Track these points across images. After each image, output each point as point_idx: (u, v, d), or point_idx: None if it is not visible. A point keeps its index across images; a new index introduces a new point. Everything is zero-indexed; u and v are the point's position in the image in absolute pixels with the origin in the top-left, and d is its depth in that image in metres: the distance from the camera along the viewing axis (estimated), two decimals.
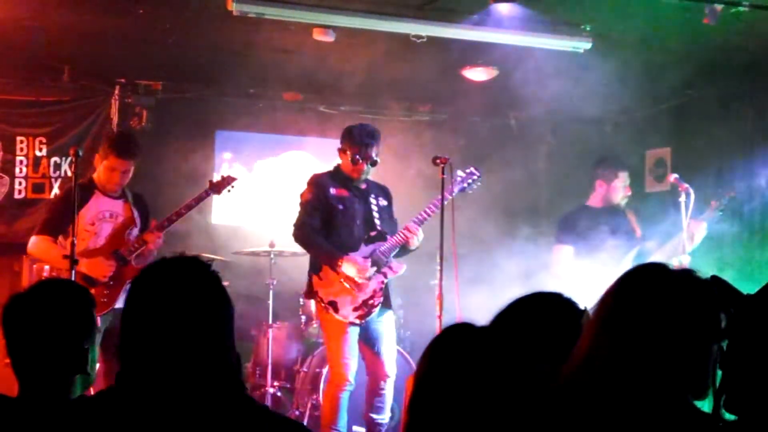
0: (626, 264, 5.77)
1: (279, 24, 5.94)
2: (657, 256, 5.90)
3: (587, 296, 2.39)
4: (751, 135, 7.11)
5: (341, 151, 5.63)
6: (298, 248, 7.12)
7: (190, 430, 2.03)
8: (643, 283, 2.03)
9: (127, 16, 6.04)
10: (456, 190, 5.57)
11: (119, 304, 5.30)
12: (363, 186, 5.68)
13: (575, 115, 7.70)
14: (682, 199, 5.88)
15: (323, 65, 7.07)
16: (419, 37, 5.99)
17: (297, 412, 6.73)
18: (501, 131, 9.06)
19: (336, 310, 5.46)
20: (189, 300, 2.10)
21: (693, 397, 1.97)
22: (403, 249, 5.59)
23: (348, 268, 5.42)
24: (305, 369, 6.89)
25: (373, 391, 5.61)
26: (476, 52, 6.69)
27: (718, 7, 5.46)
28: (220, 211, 8.33)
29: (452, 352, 1.98)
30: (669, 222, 6.12)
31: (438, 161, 5.41)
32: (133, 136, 6.02)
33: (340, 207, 5.56)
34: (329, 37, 5.99)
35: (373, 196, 5.68)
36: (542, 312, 2.56)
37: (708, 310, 1.97)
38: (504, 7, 5.65)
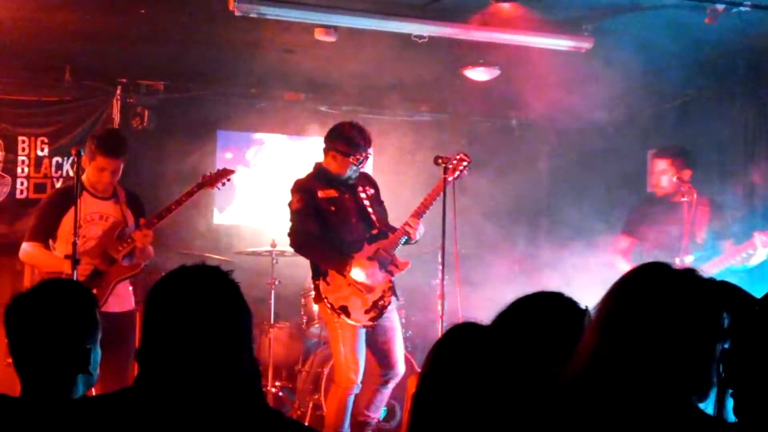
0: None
1: (280, 24, 5.94)
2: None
3: None
4: (753, 134, 7.11)
5: (332, 151, 5.53)
6: None
7: None
8: (646, 283, 2.03)
9: (128, 16, 6.04)
10: (450, 178, 5.42)
11: (112, 308, 5.21)
12: (352, 182, 5.58)
13: (577, 115, 7.69)
14: (685, 199, 5.88)
15: (325, 65, 7.08)
16: (421, 37, 5.99)
17: (299, 412, 6.73)
18: (502, 131, 9.06)
19: (348, 315, 5.38)
20: (207, 308, 2.12)
21: (696, 397, 1.97)
22: (407, 241, 5.53)
23: (357, 273, 5.37)
24: (307, 369, 6.89)
25: (377, 389, 5.57)
26: (478, 52, 6.69)
27: (720, 7, 5.46)
28: (222, 211, 8.35)
29: (458, 352, 1.98)
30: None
31: (440, 161, 5.36)
32: (121, 135, 5.79)
33: (332, 208, 5.47)
34: (331, 37, 5.99)
35: (360, 188, 5.59)
36: (543, 311, 2.57)
37: (711, 309, 1.97)
38: (505, 6, 5.66)
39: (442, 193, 5.35)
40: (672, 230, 5.87)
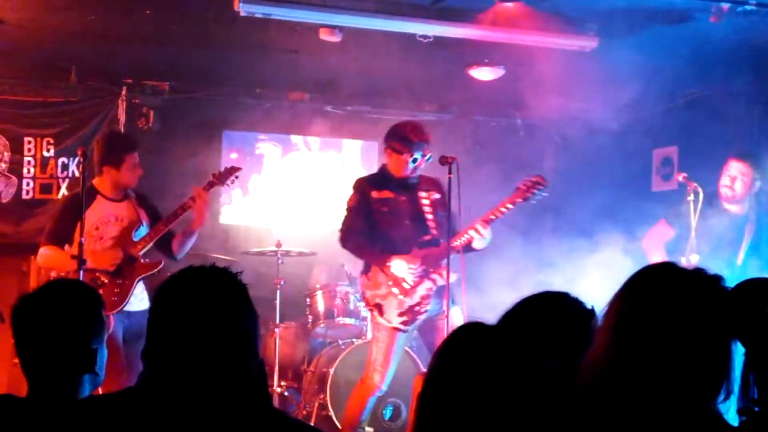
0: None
1: (286, 24, 5.94)
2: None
3: None
4: (758, 133, 7.10)
5: (387, 148, 5.47)
6: (304, 248, 7.16)
7: None
8: (659, 284, 2.02)
9: (133, 16, 6.06)
10: (520, 200, 5.28)
11: (134, 306, 5.36)
12: (412, 182, 5.46)
13: (582, 114, 7.68)
14: (691, 198, 5.87)
15: (330, 65, 7.08)
16: (425, 36, 5.99)
17: (304, 412, 6.74)
18: (507, 131, 9.06)
19: (381, 313, 5.35)
20: (214, 309, 2.12)
21: (716, 399, 1.95)
22: (468, 248, 5.36)
23: (397, 267, 5.28)
24: (312, 369, 6.90)
25: None
26: (482, 52, 6.69)
27: (725, 5, 5.45)
28: (229, 210, 8.36)
29: (464, 352, 1.98)
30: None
31: (445, 160, 5.29)
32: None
33: (385, 209, 5.40)
34: (336, 37, 5.99)
35: (422, 191, 5.45)
36: (549, 311, 2.57)
37: (722, 306, 1.97)
38: (510, 6, 5.65)
39: (512, 207, 5.27)
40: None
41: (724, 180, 5.89)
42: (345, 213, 5.51)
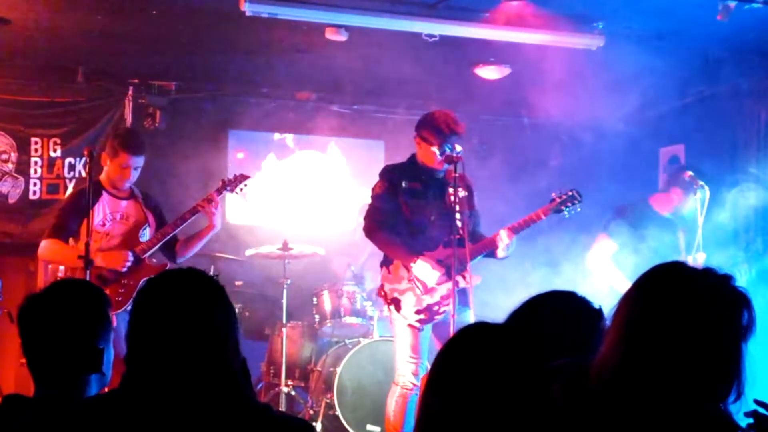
0: None
1: (291, 24, 5.95)
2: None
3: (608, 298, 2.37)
4: (765, 131, 7.08)
5: (417, 137, 5.26)
6: (311, 248, 7.15)
7: None
8: (667, 283, 2.01)
9: (140, 16, 6.07)
10: (550, 212, 5.23)
11: None
12: (440, 176, 5.27)
13: (588, 113, 7.67)
14: (697, 196, 5.87)
15: (335, 64, 7.08)
16: (432, 35, 5.98)
17: (311, 412, 6.74)
18: (514, 129, 9.05)
19: (398, 308, 5.21)
20: (188, 310, 2.18)
21: (727, 399, 1.95)
22: (490, 254, 5.26)
23: (420, 269, 5.13)
24: (319, 368, 6.90)
25: None
26: (488, 51, 6.68)
27: (732, 3, 5.44)
28: (235, 210, 8.36)
29: (470, 352, 1.97)
30: None
31: (451, 159, 5.11)
32: (139, 133, 6.02)
33: (412, 201, 5.21)
34: (342, 37, 5.99)
35: (451, 188, 5.13)
36: (556, 311, 2.56)
37: (732, 306, 1.96)
38: (516, 5, 5.65)
39: (543, 217, 5.21)
40: None
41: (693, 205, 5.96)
42: (371, 201, 5.34)
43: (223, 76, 7.90)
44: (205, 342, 2.16)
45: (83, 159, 7.45)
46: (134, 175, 5.49)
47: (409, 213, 5.23)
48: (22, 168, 7.52)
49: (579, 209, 5.34)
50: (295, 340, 7.13)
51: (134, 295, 5.27)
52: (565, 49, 6.25)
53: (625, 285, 2.57)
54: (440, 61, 6.92)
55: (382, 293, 5.35)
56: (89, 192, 5.09)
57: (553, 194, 5.28)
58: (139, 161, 5.46)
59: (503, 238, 5.17)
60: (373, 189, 5.39)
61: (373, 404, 6.34)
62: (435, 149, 5.17)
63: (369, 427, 6.43)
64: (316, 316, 7.15)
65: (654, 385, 1.92)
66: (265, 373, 7.12)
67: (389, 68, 7.09)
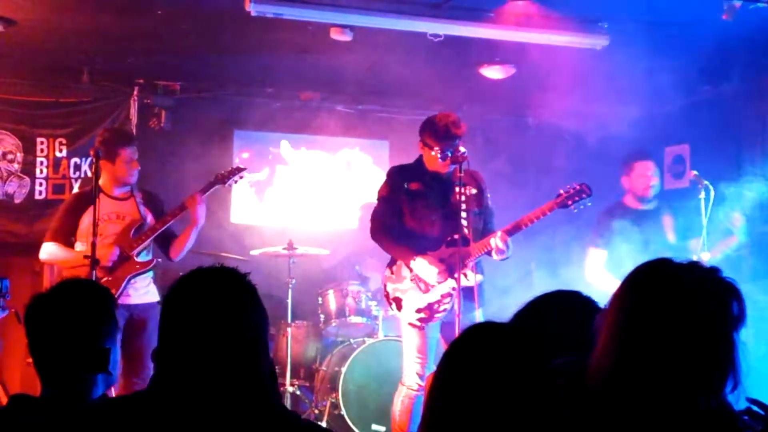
0: None
1: (296, 24, 5.95)
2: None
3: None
4: None
5: (420, 141, 5.32)
6: (316, 248, 7.16)
7: None
8: (653, 279, 2.02)
9: (145, 17, 6.07)
10: (556, 207, 5.18)
11: (134, 300, 5.58)
12: (446, 176, 5.28)
13: (593, 113, 7.67)
14: (702, 195, 5.87)
15: (340, 64, 7.09)
16: (436, 35, 5.99)
17: (316, 411, 6.75)
18: (518, 129, 9.05)
19: (399, 308, 5.27)
20: (224, 311, 2.12)
21: (723, 391, 1.95)
22: (490, 254, 5.21)
23: (420, 267, 5.17)
24: (324, 368, 6.91)
25: None
26: (493, 50, 6.68)
27: (737, 3, 5.43)
28: (240, 210, 8.37)
29: (476, 351, 1.98)
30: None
31: (455, 159, 5.10)
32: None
33: (415, 202, 5.26)
34: (346, 37, 5.99)
35: (457, 186, 5.07)
36: (561, 310, 2.56)
37: (721, 297, 1.97)
38: (520, 4, 5.65)
39: (544, 215, 5.16)
40: None
41: (647, 181, 6.16)
42: (377, 202, 5.42)
43: (228, 77, 7.90)
44: (237, 344, 2.10)
45: (89, 159, 7.45)
46: (138, 165, 5.71)
47: (412, 214, 5.28)
48: (28, 168, 7.54)
49: (590, 203, 5.30)
50: (300, 339, 7.14)
51: (120, 289, 5.43)
52: (569, 49, 6.25)
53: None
54: (445, 61, 6.92)
55: (385, 293, 5.42)
56: (94, 191, 5.26)
57: (561, 190, 5.27)
58: (136, 152, 5.71)
59: (496, 243, 5.10)
60: (378, 190, 5.46)
61: (378, 404, 6.35)
62: (436, 153, 5.21)
63: (374, 426, 6.44)
64: (321, 316, 7.16)
65: (649, 382, 1.92)
66: None
67: (394, 68, 7.09)
